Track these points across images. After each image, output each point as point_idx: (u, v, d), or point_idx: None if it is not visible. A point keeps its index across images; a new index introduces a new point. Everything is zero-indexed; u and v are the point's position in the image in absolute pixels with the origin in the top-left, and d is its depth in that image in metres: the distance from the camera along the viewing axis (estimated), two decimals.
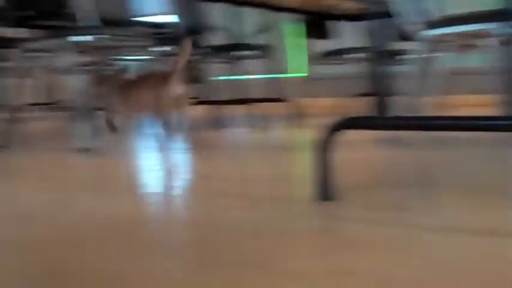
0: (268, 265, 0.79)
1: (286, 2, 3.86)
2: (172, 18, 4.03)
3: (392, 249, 0.84)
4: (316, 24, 4.94)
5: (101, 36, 2.61)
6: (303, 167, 1.77)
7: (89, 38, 2.58)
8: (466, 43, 2.27)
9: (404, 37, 2.75)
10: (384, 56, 1.93)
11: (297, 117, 3.51)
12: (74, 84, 2.49)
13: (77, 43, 2.58)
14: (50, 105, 5.67)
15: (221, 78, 4.88)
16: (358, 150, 2.15)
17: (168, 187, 1.47)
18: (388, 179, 1.47)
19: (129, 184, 1.54)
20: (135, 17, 3.62)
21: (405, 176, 1.52)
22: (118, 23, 3.24)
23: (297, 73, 7.33)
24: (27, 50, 2.73)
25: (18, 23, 4.67)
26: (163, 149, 2.39)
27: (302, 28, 4.91)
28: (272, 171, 1.70)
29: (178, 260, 0.83)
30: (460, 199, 1.17)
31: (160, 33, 5.66)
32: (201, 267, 0.79)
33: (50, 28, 4.13)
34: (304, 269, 0.77)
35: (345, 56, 4.61)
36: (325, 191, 1.21)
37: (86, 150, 2.42)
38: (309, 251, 0.85)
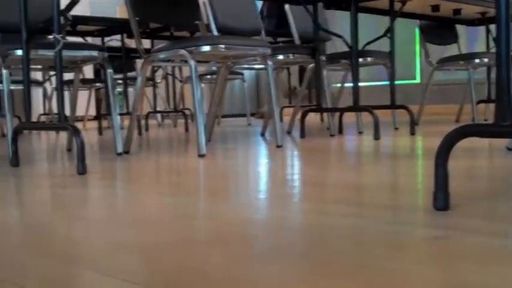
0: (380, 274, 0.78)
1: (405, 7, 3.80)
2: (290, 27, 4.07)
3: (510, 262, 0.81)
4: (435, 29, 4.81)
5: (217, 46, 2.68)
6: (417, 174, 1.73)
7: (206, 48, 2.66)
8: None
9: None
10: (508, 61, 1.85)
11: (412, 124, 3.43)
12: (195, 92, 2.58)
13: (195, 53, 2.66)
14: (173, 112, 5.89)
15: (337, 85, 4.87)
16: (475, 158, 2.07)
17: (281, 193, 1.48)
18: (506, 188, 1.41)
19: (244, 189, 1.57)
20: (255, 26, 3.68)
21: None
22: (235, 32, 3.32)
23: (412, 79, 7.17)
24: (152, 60, 2.85)
25: (145, 34, 4.90)
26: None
27: (419, 33, 4.80)
28: (386, 178, 1.67)
29: (291, 267, 0.84)
30: None
31: (277, 42, 5.73)
32: (313, 275, 0.80)
33: (174, 38, 4.29)
34: (417, 280, 0.75)
35: (464, 61, 4.46)
36: (441, 200, 1.18)
37: (204, 156, 2.50)
38: (423, 261, 0.83)
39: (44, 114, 6.97)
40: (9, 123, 2.50)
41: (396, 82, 3.82)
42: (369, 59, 3.84)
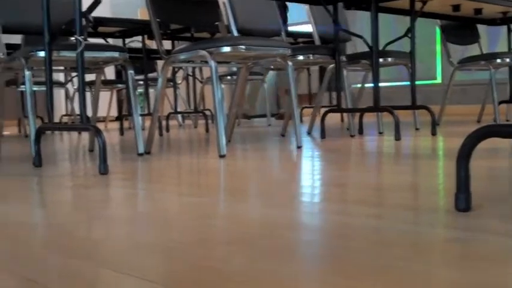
0: (401, 275, 0.78)
1: (425, 7, 3.78)
2: (311, 27, 4.07)
3: None
4: (456, 29, 4.77)
5: (238, 46, 2.68)
6: (438, 175, 1.72)
7: (226, 49, 2.66)
8: None
9: None
10: None
11: (433, 124, 3.41)
12: (216, 93, 2.58)
13: (215, 54, 2.67)
14: (193, 113, 5.91)
15: (357, 86, 4.85)
16: (497, 158, 2.06)
17: (302, 194, 1.48)
18: None
19: (265, 190, 1.57)
20: (275, 27, 3.68)
21: None
22: (255, 33, 3.32)
23: (433, 80, 7.12)
24: (173, 61, 2.87)
25: (166, 36, 4.92)
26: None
27: (440, 33, 4.76)
28: (407, 179, 1.66)
29: (311, 267, 0.84)
30: None
31: (298, 43, 5.73)
32: (334, 276, 0.80)
33: (194, 39, 4.31)
34: (437, 281, 0.75)
35: (486, 61, 4.42)
36: (463, 201, 1.17)
37: (225, 156, 2.51)
38: (444, 262, 0.83)
39: (66, 115, 7.03)
40: (32, 123, 2.53)
41: (417, 82, 3.80)
42: (389, 59, 3.83)
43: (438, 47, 6.99)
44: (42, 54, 2.49)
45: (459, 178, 1.17)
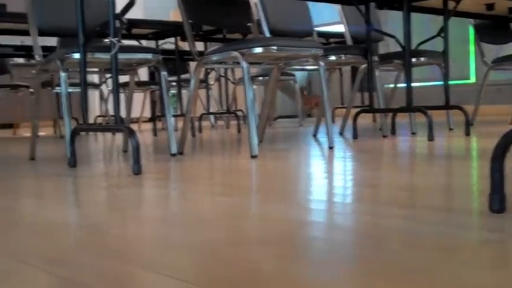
0: (433, 277, 0.78)
1: (459, 6, 3.73)
2: (343, 28, 4.05)
3: None
4: (490, 28, 4.71)
5: (270, 47, 2.69)
6: (472, 176, 1.71)
7: (258, 50, 2.67)
8: None
9: None
10: None
11: (467, 124, 3.37)
12: (248, 94, 2.59)
13: (247, 55, 2.68)
14: (225, 114, 5.94)
15: (390, 86, 4.82)
16: None
17: (334, 194, 1.48)
18: None
19: (296, 190, 1.57)
20: (307, 27, 3.68)
21: None
22: (287, 33, 3.33)
23: (466, 79, 7.03)
24: (205, 63, 2.89)
25: (198, 37, 4.95)
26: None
27: (474, 32, 4.71)
28: (440, 180, 1.65)
29: (342, 268, 0.85)
30: None
31: (330, 43, 5.71)
32: (365, 278, 0.80)
33: (226, 40, 4.33)
34: (471, 283, 0.75)
35: None
36: (497, 202, 1.16)
37: (256, 157, 2.52)
38: (477, 264, 0.82)
39: (100, 116, 7.12)
40: (67, 124, 2.57)
41: (450, 82, 3.76)
42: (422, 58, 3.80)
43: (472, 47, 6.90)
44: (77, 56, 2.53)
45: (493, 179, 1.16)
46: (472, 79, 6.98)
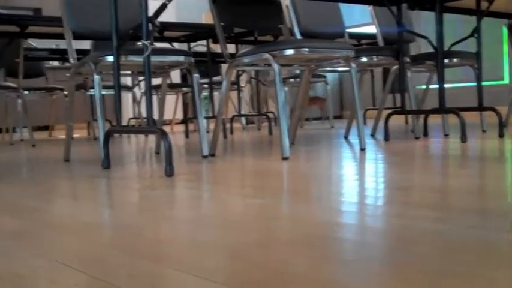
0: (466, 280, 0.77)
1: (492, 6, 3.69)
2: (374, 29, 4.04)
3: None
4: None
5: (301, 49, 2.69)
6: (506, 178, 1.68)
7: (290, 52, 2.67)
8: None
9: None
10: None
11: (500, 126, 3.32)
12: (279, 96, 2.60)
13: (279, 57, 2.68)
14: (256, 116, 5.95)
15: (422, 87, 4.77)
16: None
17: (365, 196, 1.48)
18: None
19: (328, 192, 1.57)
20: (338, 29, 3.67)
21: None
22: (318, 35, 3.32)
23: (500, 80, 6.93)
24: (237, 65, 2.90)
25: (230, 39, 4.98)
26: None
27: (507, 33, 4.64)
28: (473, 182, 1.63)
29: (373, 270, 0.85)
30: None
31: (361, 44, 5.69)
32: (397, 280, 0.80)
33: (258, 43, 4.34)
34: (504, 287, 0.74)
35: None
36: None
37: (288, 158, 2.52)
38: (510, 267, 0.82)
39: (134, 118, 7.19)
40: (101, 126, 2.61)
41: (484, 83, 3.71)
42: (454, 59, 3.76)
43: (505, 47, 6.80)
44: (110, 59, 2.57)
45: None
46: (506, 80, 6.87)
